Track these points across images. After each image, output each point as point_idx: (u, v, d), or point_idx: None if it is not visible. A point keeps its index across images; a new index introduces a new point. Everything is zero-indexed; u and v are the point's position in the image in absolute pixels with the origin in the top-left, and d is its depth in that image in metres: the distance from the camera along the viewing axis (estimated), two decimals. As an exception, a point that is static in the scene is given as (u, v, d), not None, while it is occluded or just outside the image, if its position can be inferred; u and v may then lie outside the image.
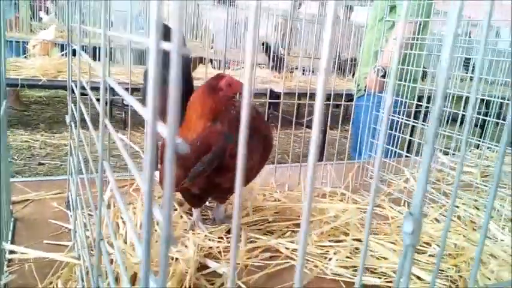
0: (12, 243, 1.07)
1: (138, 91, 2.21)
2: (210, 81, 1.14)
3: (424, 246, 1.22)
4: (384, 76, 2.21)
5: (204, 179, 1.10)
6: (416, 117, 1.80)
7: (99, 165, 0.57)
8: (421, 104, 1.75)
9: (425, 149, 0.40)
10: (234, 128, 1.08)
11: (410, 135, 1.84)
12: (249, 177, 1.18)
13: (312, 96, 1.94)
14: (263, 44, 4.05)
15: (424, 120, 1.77)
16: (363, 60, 2.61)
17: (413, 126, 1.80)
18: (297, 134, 4.31)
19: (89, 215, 1.22)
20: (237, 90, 1.13)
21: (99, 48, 0.61)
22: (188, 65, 1.23)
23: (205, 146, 1.07)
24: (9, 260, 0.99)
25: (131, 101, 0.42)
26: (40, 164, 3.72)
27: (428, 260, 1.15)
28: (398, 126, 1.77)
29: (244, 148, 0.33)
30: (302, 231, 0.36)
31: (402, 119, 1.75)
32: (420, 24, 2.06)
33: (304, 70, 4.76)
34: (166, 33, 1.10)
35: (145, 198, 0.32)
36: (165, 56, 1.09)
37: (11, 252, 1.02)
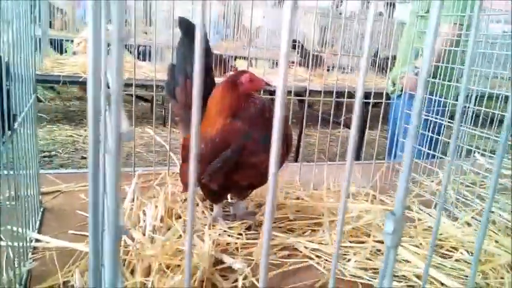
0: (39, 232, 1.11)
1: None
2: (230, 76, 1.14)
3: (450, 251, 1.17)
4: None
5: (222, 176, 1.10)
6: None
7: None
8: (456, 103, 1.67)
9: (406, 144, 0.38)
10: (254, 125, 1.08)
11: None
12: (267, 175, 1.17)
13: (351, 95, 1.92)
14: (294, 41, 4.01)
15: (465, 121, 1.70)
16: (400, 59, 2.52)
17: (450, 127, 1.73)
18: (334, 134, 4.25)
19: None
20: (257, 86, 1.12)
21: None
22: (209, 59, 1.24)
23: (223, 142, 1.08)
24: (34, 248, 1.04)
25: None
26: (83, 157, 3.87)
27: (454, 266, 1.10)
28: (437, 127, 1.71)
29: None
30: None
31: (441, 119, 1.68)
32: (462, 25, 1.98)
33: (343, 68, 4.69)
34: (190, 30, 1.11)
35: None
36: (185, 52, 1.09)
37: (37, 240, 1.06)
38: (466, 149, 1.71)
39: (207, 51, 1.23)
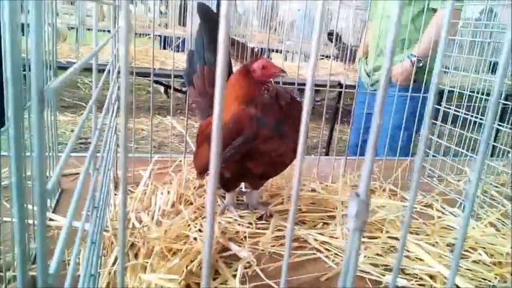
0: (54, 212, 1.14)
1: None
2: (246, 63, 1.13)
3: (468, 251, 1.12)
4: (421, 67, 2.03)
5: (235, 163, 1.09)
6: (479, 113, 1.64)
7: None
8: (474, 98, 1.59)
9: (373, 120, 0.36)
10: (267, 112, 1.06)
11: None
12: (282, 164, 1.15)
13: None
14: (330, 34, 3.92)
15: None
16: (382, 50, 2.24)
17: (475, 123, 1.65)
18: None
19: (130, 191, 1.27)
20: (270, 74, 1.11)
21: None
22: (228, 45, 1.23)
23: (236, 129, 1.07)
24: (48, 227, 1.07)
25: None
26: (118, 145, 3.97)
27: (470, 267, 1.05)
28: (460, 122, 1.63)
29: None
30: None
31: (468, 114, 1.61)
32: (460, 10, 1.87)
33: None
34: (208, 16, 1.10)
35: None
36: (204, 38, 1.08)
37: (51, 219, 1.09)
38: (503, 149, 1.63)
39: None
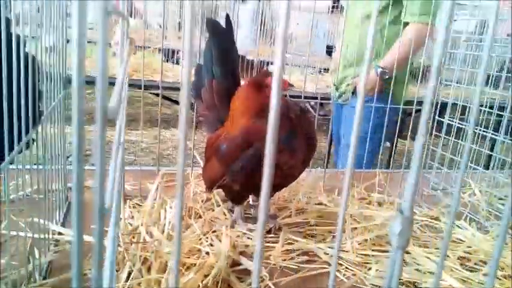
0: (63, 225, 1.13)
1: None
2: (256, 77, 1.14)
3: (478, 264, 1.12)
4: (387, 79, 2.03)
5: (244, 176, 1.09)
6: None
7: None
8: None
9: (417, 138, 0.36)
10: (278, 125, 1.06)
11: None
12: (290, 177, 1.15)
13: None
14: (329, 48, 3.96)
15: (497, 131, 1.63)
16: (350, 60, 2.22)
17: (480, 136, 1.66)
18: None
19: (138, 205, 1.27)
20: (284, 89, 1.11)
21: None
22: (235, 60, 1.24)
23: (246, 142, 1.07)
24: (57, 241, 1.06)
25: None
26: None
27: (482, 281, 1.05)
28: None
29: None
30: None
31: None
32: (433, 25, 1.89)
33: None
34: (217, 31, 1.10)
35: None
36: (213, 52, 1.10)
37: (60, 233, 1.08)
38: (502, 161, 1.64)
39: (234, 53, 1.23)
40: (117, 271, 0.94)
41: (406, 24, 2.09)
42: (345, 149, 2.33)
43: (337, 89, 2.37)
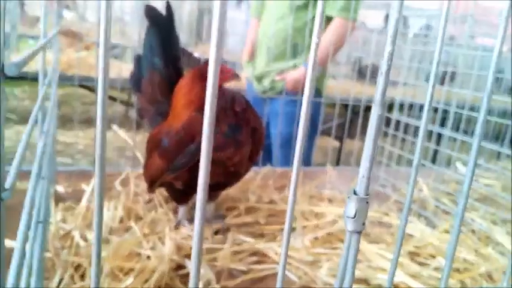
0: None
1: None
2: (199, 67, 1.07)
3: (427, 259, 1.11)
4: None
5: (187, 173, 1.02)
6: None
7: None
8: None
9: (373, 110, 0.31)
10: (221, 118, 1.00)
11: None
12: (237, 173, 1.09)
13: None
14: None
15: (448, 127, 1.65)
16: (275, 53, 2.07)
17: (430, 132, 1.68)
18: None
19: (72, 207, 1.16)
20: (227, 78, 1.05)
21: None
22: (177, 50, 1.16)
23: (188, 136, 1.00)
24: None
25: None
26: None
27: (431, 275, 1.03)
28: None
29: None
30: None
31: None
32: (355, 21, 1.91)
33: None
34: (157, 20, 1.01)
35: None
36: (152, 42, 1.00)
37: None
38: (447, 156, 1.67)
39: (175, 43, 1.16)
40: (46, 279, 0.85)
41: (330, 18, 2.00)
42: (281, 148, 2.19)
43: (258, 82, 2.21)
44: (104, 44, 0.28)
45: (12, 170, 0.38)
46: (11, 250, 0.51)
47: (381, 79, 0.32)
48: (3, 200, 0.34)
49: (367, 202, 0.31)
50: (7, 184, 0.35)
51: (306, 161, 1.81)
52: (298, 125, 1.40)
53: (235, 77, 1.04)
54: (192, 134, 0.99)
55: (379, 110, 0.32)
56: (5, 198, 0.34)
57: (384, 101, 0.32)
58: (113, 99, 4.45)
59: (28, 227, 0.60)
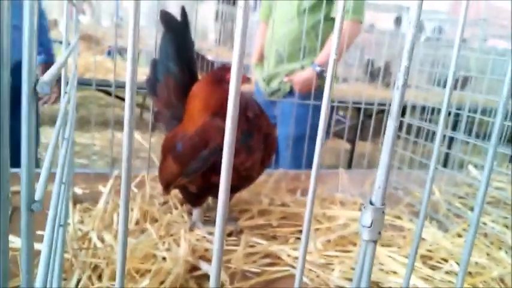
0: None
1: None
2: (215, 72, 1.09)
3: (440, 262, 1.11)
4: (325, 76, 2.03)
5: (201, 177, 1.04)
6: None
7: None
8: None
9: (389, 123, 0.33)
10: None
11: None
12: (250, 177, 1.11)
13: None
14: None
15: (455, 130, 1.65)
16: (283, 55, 2.10)
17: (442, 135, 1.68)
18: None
19: (89, 209, 1.19)
20: (244, 84, 1.07)
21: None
22: (192, 55, 1.18)
23: (202, 141, 1.02)
24: None
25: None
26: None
27: (443, 278, 1.04)
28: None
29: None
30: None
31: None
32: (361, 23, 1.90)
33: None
34: (172, 25, 1.04)
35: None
36: (168, 48, 1.03)
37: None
38: (459, 160, 1.66)
39: (190, 48, 1.18)
40: (65, 279, 0.87)
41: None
42: (289, 150, 2.20)
43: (267, 84, 2.24)
44: (132, 48, 0.30)
45: (40, 183, 0.40)
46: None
47: (397, 93, 0.33)
48: (34, 212, 0.36)
49: (383, 212, 0.33)
50: (37, 196, 0.36)
51: (311, 164, 1.81)
52: (307, 127, 1.41)
53: (247, 80, 1.06)
54: (205, 140, 1.01)
55: (395, 123, 0.34)
56: (36, 210, 0.36)
57: (399, 114, 0.33)
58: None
59: (53, 233, 0.63)
